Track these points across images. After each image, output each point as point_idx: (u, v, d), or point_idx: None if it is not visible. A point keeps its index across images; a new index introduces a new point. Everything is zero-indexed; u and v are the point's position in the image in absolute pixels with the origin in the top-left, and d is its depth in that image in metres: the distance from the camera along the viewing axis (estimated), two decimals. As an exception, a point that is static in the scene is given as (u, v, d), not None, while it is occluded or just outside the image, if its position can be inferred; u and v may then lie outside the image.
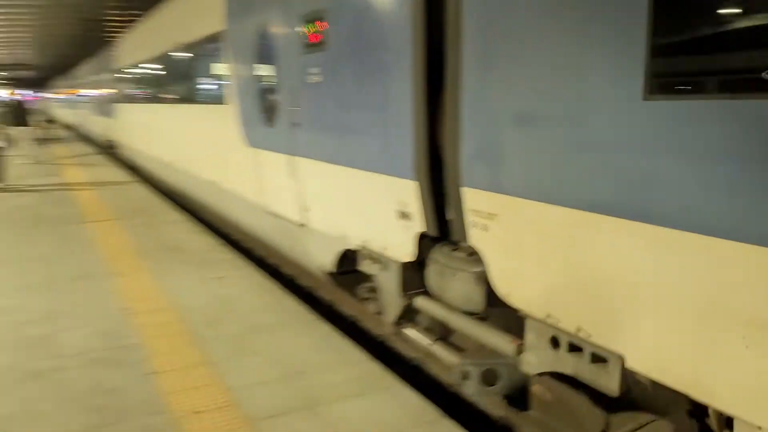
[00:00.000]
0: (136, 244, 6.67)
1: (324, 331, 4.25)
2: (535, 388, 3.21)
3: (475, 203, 3.09)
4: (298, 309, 4.67)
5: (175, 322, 4.38)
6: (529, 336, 2.96)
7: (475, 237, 3.15)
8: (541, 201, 2.69)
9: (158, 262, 5.95)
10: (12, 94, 11.63)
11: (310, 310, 4.70)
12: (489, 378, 3.32)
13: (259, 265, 6.61)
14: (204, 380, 3.51)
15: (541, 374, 3.00)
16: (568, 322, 2.70)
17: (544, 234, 2.73)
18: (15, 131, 14.39)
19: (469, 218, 3.16)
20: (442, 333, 3.83)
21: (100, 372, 3.65)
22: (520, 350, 3.06)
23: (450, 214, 3.38)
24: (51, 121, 24.83)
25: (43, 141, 19.54)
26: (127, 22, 24.14)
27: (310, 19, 4.45)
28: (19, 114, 15.54)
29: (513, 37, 2.75)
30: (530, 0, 2.64)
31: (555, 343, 2.80)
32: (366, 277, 4.39)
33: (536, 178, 2.71)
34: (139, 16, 18.57)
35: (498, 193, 2.92)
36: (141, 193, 10.40)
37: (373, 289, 4.29)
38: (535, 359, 2.96)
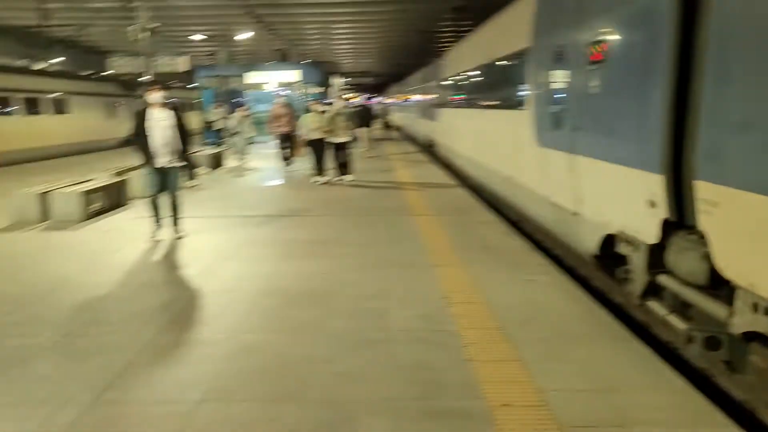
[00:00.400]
0: (453, 240, 7.15)
1: (639, 350, 4.03)
2: (753, 357, 3.72)
3: (704, 193, 3.82)
4: (611, 323, 4.50)
5: (488, 317, 4.60)
6: (737, 303, 3.64)
7: (703, 221, 3.86)
8: (749, 191, 3.38)
9: (472, 258, 6.29)
10: (353, 98, 13.50)
11: (624, 326, 4.50)
12: (712, 344, 3.98)
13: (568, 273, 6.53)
14: (515, 376, 3.62)
15: (758, 342, 3.63)
16: (766, 290, 3.35)
17: (751, 218, 3.41)
18: (359, 131, 16.66)
19: (699, 206, 3.88)
20: (679, 306, 4.42)
21: (423, 351, 4.03)
22: (732, 316, 3.69)
23: (685, 203, 4.12)
24: (388, 125, 27.85)
25: (378, 140, 22.09)
26: (457, 35, 25.84)
27: (595, 42, 5.47)
28: (364, 116, 17.91)
29: (738, 59, 3.52)
30: (747, 39, 3.43)
31: (755, 307, 3.47)
32: (623, 260, 5.16)
33: (746, 172, 3.43)
34: (468, 29, 19.78)
35: (720, 185, 3.64)
36: (457, 192, 11.07)
37: (628, 271, 5.09)
38: (740, 321, 3.62)
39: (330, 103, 13.49)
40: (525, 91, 7.97)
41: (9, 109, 19.29)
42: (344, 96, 12.45)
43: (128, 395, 3.50)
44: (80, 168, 15.65)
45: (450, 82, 16.36)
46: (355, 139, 13.10)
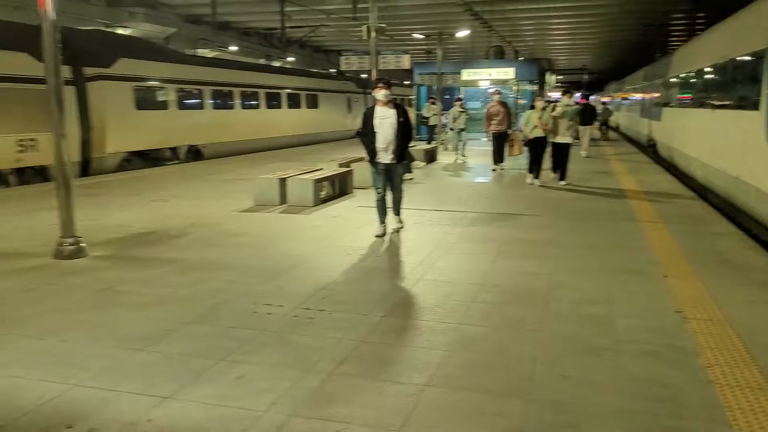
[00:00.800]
0: (685, 250, 6.60)
1: None
2: None
3: None
4: None
5: (732, 337, 4.18)
6: None
7: None
8: None
9: (710, 271, 5.76)
10: (570, 96, 12.88)
11: None
12: None
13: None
14: (768, 407, 3.26)
15: None
16: None
17: None
18: (580, 130, 16.09)
19: None
20: None
21: (655, 365, 3.79)
22: None
23: None
24: (606, 124, 26.56)
25: (596, 140, 21.13)
26: (690, 31, 23.68)
27: None
28: (586, 115, 17.24)
29: None
30: None
31: None
32: None
33: None
34: (703, 24, 18.07)
35: None
36: (687, 199, 10.20)
37: None
38: None
39: (555, 101, 13.09)
40: (758, 92, 8.17)
41: (277, 103, 23.57)
42: (569, 93, 11.83)
43: (361, 370, 3.77)
44: (315, 156, 17.12)
45: (677, 80, 15.84)
46: (576, 139, 12.55)
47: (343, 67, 16.00)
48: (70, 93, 13.79)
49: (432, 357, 3.95)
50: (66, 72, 13.46)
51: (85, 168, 14.71)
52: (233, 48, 28.18)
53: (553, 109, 11.58)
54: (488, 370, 3.76)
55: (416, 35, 26.44)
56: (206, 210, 9.33)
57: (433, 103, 20.54)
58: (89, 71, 14.66)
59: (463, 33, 24.02)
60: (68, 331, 4.37)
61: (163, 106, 17.33)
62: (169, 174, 14.28)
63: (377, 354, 4.03)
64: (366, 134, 7.46)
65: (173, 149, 17.69)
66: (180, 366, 3.80)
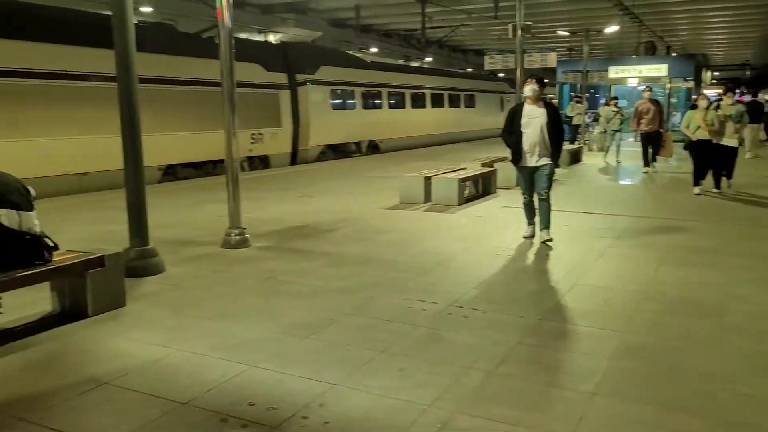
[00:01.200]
0: None
1: None
2: None
3: None
4: None
5: None
6: None
7: None
8: None
9: None
10: (726, 94, 11.70)
11: None
12: None
13: None
14: None
15: None
16: None
17: None
18: (746, 130, 14.68)
19: None
20: None
21: None
22: None
23: None
24: None
25: (763, 141, 19.32)
26: None
27: None
28: (753, 113, 15.77)
29: None
30: None
31: None
32: None
33: None
34: None
35: None
36: None
37: None
38: None
39: (718, 99, 12.04)
40: None
41: (440, 103, 26.27)
42: (730, 92, 10.76)
43: (522, 372, 3.70)
44: (460, 155, 17.17)
45: None
46: (741, 141, 11.40)
47: (487, 67, 15.89)
48: (286, 96, 17.24)
49: (597, 364, 3.79)
50: (283, 78, 17.12)
51: (294, 158, 17.52)
52: (374, 49, 28.87)
53: (716, 109, 10.63)
54: (660, 383, 3.54)
55: (561, 32, 25.61)
56: (354, 206, 9.63)
57: (578, 102, 19.80)
58: (299, 77, 17.56)
59: (612, 29, 22.90)
60: (239, 316, 4.69)
61: (351, 106, 20.40)
62: (324, 169, 14.93)
63: (537, 357, 3.94)
64: (512, 133, 6.96)
65: (357, 143, 20.61)
66: (343, 355, 3.94)
